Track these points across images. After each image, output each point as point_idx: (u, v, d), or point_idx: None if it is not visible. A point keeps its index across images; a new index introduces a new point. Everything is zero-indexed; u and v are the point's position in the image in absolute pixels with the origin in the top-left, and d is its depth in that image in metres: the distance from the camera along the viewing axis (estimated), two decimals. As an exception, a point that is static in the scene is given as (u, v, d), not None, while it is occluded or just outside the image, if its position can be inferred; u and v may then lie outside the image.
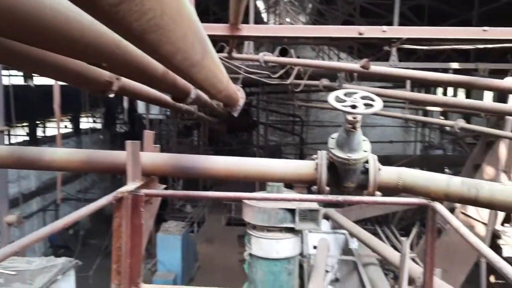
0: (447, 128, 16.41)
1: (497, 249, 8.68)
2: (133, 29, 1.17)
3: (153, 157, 2.73)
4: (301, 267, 6.99)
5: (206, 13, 15.81)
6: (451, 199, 2.56)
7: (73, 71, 2.46)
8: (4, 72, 11.60)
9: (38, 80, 18.31)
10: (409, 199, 2.63)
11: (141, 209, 2.34)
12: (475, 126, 10.26)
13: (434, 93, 21.42)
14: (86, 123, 23.21)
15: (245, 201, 5.66)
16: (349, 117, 2.27)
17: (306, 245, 7.85)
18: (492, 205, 2.45)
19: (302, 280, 6.92)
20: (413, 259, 7.34)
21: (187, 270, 13.31)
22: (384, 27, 4.06)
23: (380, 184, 2.53)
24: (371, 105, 2.30)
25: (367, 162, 2.57)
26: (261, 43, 21.96)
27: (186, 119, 21.50)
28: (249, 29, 4.32)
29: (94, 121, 25.63)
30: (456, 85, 8.62)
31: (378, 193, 2.56)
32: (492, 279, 9.75)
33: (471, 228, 8.87)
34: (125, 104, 11.25)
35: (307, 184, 2.78)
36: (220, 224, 17.44)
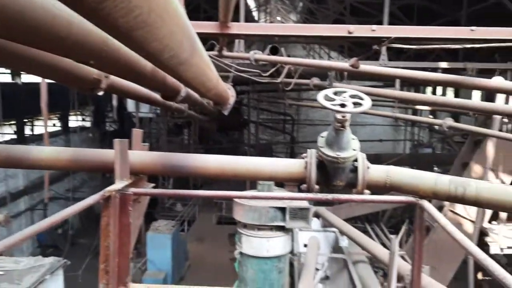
0: (436, 127, 16.58)
1: (484, 246, 8.80)
2: (120, 26, 1.16)
3: (141, 155, 2.71)
4: (291, 265, 7.01)
5: (196, 11, 15.73)
6: (439, 197, 2.58)
7: (61, 69, 2.43)
8: (-9, 69, 11.44)
9: (26, 78, 18.07)
10: (397, 197, 2.65)
11: (129, 208, 2.32)
12: (463, 125, 10.38)
13: (424, 92, 21.64)
14: (75, 121, 22.96)
15: (236, 199, 5.66)
16: (338, 116, 2.27)
17: (297, 243, 7.87)
18: (478, 203, 2.48)
19: (293, 278, 6.94)
20: (402, 257, 7.39)
21: (177, 269, 13.27)
22: (374, 26, 4.08)
23: (369, 182, 2.55)
24: (360, 104, 2.31)
25: (356, 160, 2.58)
26: (252, 41, 21.95)
27: (177, 118, 21.39)
28: (239, 27, 4.30)
29: (83, 120, 25.39)
30: (445, 84, 8.71)
31: (367, 191, 2.57)
32: (479, 276, 9.87)
33: (459, 225, 8.98)
34: (114, 102, 11.16)
35: (297, 183, 2.79)
36: (210, 223, 17.40)
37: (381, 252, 6.92)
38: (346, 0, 16.49)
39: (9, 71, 17.39)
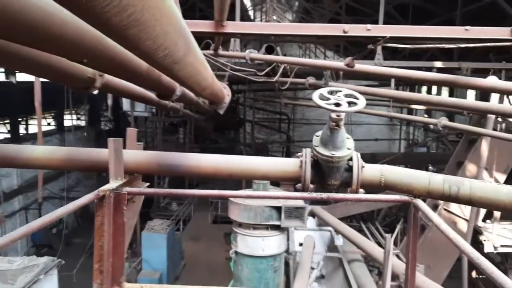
0: (431, 126, 16.65)
1: (479, 245, 8.86)
2: (113, 25, 1.15)
3: (136, 155, 2.70)
4: (286, 264, 7.03)
5: (192, 9, 15.70)
6: (433, 196, 2.59)
7: (55, 67, 2.41)
8: (-15, 68, 11.36)
9: (21, 76, 17.96)
10: (391, 196, 2.66)
11: (123, 208, 2.31)
12: (458, 124, 10.45)
13: (419, 91, 21.72)
14: (69, 120, 22.85)
15: (231, 199, 5.66)
16: (333, 115, 2.27)
17: (292, 242, 7.89)
18: (472, 202, 2.49)
19: (288, 277, 6.96)
20: (397, 256, 7.43)
21: (173, 269, 13.25)
22: (369, 26, 4.09)
23: (363, 181, 2.55)
24: (354, 103, 2.31)
25: (351, 159, 2.58)
26: (248, 40, 21.93)
27: (172, 117, 21.37)
28: (234, 26, 4.30)
29: (78, 118, 25.28)
30: (439, 83, 8.75)
31: (361, 190, 2.57)
32: (474, 274, 9.93)
33: (453, 224, 9.03)
34: (109, 101, 11.11)
35: (292, 182, 2.79)
36: (206, 222, 17.38)
37: (376, 251, 6.95)
38: (341, -1, 16.51)
39: (3, 69, 17.27)
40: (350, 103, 2.30)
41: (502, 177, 9.35)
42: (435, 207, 9.28)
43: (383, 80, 14.74)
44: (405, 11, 12.73)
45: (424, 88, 22.28)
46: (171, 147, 20.09)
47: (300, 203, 5.57)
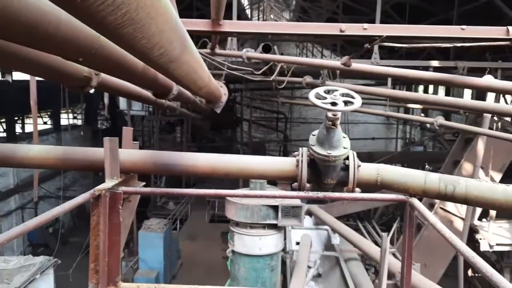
0: (428, 125, 16.71)
1: (475, 243, 8.90)
2: (107, 24, 1.15)
3: (132, 154, 2.69)
4: (283, 263, 7.04)
5: (189, 8, 15.65)
6: (429, 195, 2.60)
7: (50, 66, 2.40)
8: (-20, 66, 11.30)
9: (17, 75, 17.88)
10: (387, 195, 2.66)
11: (119, 207, 2.31)
12: (454, 123, 10.49)
13: (415, 90, 21.78)
14: (66, 119, 22.77)
15: (228, 198, 5.66)
16: (329, 114, 2.27)
17: (289, 241, 7.90)
18: (468, 201, 2.50)
19: (285, 276, 6.96)
20: (393, 254, 7.45)
21: (170, 268, 13.24)
22: (365, 25, 4.09)
23: (359, 180, 2.55)
24: (351, 102, 2.31)
25: (347, 158, 2.59)
26: (245, 39, 21.92)
27: (169, 116, 21.33)
28: (231, 25, 4.29)
29: (75, 117, 25.19)
30: (436, 82, 8.79)
31: (357, 189, 2.58)
32: (469, 273, 9.98)
33: (449, 223, 9.06)
34: (106, 100, 11.09)
35: (289, 181, 2.79)
36: (203, 221, 17.37)
37: (373, 250, 6.97)
38: (338, -1, 16.52)
39: (-1, 68, 17.19)
40: (346, 102, 2.30)
41: (498, 176, 9.40)
42: (431, 206, 9.31)
43: (380, 79, 14.77)
44: (402, 10, 12.75)
45: (421, 87, 22.35)
46: (168, 146, 20.05)
47: (297, 202, 5.58)
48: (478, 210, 9.16)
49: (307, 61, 7.50)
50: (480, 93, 11.88)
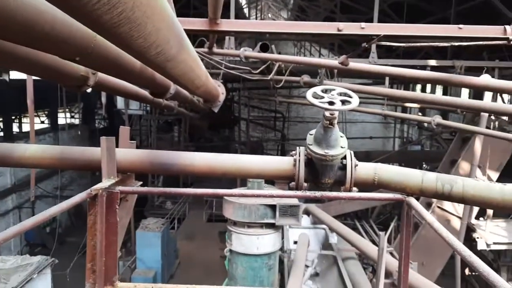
0: (425, 124, 16.72)
1: (472, 242, 8.92)
2: (103, 23, 1.15)
3: (129, 153, 2.68)
4: (281, 262, 7.04)
5: (186, 7, 15.63)
6: (426, 194, 2.60)
7: (47, 65, 2.39)
8: (-23, 65, 11.22)
9: (14, 74, 17.81)
10: (385, 194, 2.66)
11: (116, 207, 2.30)
12: (452, 122, 10.51)
13: (413, 90, 21.81)
14: (63, 118, 22.71)
15: (226, 197, 5.66)
16: (327, 113, 2.27)
17: (287, 240, 7.90)
18: (465, 200, 2.50)
19: (283, 275, 6.97)
20: (391, 253, 7.46)
21: (167, 267, 13.23)
22: (363, 24, 4.09)
23: (357, 180, 2.55)
24: (348, 102, 2.31)
25: (344, 158, 2.58)
26: (243, 38, 21.90)
27: (167, 115, 21.30)
28: (228, 24, 4.28)
29: (72, 117, 25.13)
30: (433, 82, 8.79)
31: (355, 188, 2.58)
32: (466, 272, 10.01)
33: (447, 222, 9.08)
34: (103, 99, 11.05)
35: (286, 180, 2.79)
36: (201, 220, 17.36)
37: (370, 249, 6.98)
38: (336, -2, 16.51)
39: (-5, 67, 17.10)
40: (343, 102, 2.30)
41: (495, 175, 9.43)
42: (428, 205, 9.33)
43: (377, 78, 14.77)
44: (399, 9, 12.76)
45: (418, 87, 22.38)
46: (165, 146, 20.02)
47: (295, 201, 5.58)
48: (475, 209, 9.18)
49: (304, 60, 7.50)
50: (477, 92, 11.91)
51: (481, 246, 8.86)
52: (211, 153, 2.82)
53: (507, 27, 3.95)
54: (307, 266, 6.93)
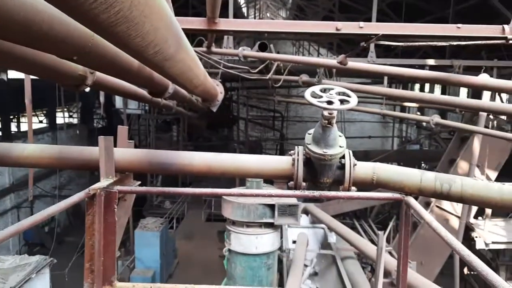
0: (424, 124, 16.73)
1: (470, 241, 8.93)
2: (101, 22, 1.14)
3: (127, 153, 2.68)
4: (280, 261, 7.04)
5: (185, 6, 15.61)
6: (425, 194, 2.60)
7: (45, 65, 2.39)
8: (-25, 65, 11.15)
9: (12, 74, 17.77)
10: (383, 193, 2.66)
11: (114, 206, 2.30)
12: (450, 122, 10.51)
13: (412, 89, 21.82)
14: (62, 118, 22.67)
15: (225, 197, 5.65)
16: (325, 113, 2.27)
17: (286, 239, 7.90)
18: (463, 200, 2.50)
19: (281, 275, 6.97)
20: (389, 253, 7.47)
21: (166, 267, 13.22)
22: (361, 23, 4.08)
23: (355, 179, 2.55)
24: (346, 101, 2.31)
25: (343, 157, 2.58)
26: (241, 38, 21.89)
27: (165, 114, 21.28)
28: (227, 23, 4.27)
29: (71, 116, 25.09)
30: (432, 81, 8.81)
31: (353, 188, 2.58)
32: (465, 271, 10.02)
33: (445, 221, 9.09)
34: (102, 98, 11.01)
35: (285, 180, 2.79)
36: (200, 220, 17.36)
37: (369, 248, 6.98)
38: (335, -3, 16.51)
39: (-7, 66, 17.06)
40: (342, 101, 2.30)
41: (493, 174, 9.44)
42: (427, 204, 9.34)
43: (376, 78, 14.79)
44: (398, 9, 12.77)
45: (417, 86, 22.40)
46: (164, 145, 20.01)
47: (294, 200, 5.58)
48: (474, 209, 9.19)
49: (303, 59, 7.50)
50: (476, 91, 11.92)
51: (479, 245, 8.87)
52: (209, 152, 2.82)
53: (506, 26, 3.95)
54: (306, 266, 6.93)
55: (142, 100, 5.92)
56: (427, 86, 21.62)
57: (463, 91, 16.90)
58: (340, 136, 2.50)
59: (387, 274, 5.92)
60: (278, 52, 10.84)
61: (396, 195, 2.49)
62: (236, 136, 26.41)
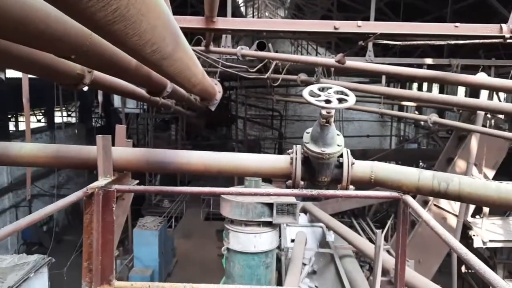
0: (422, 123, 16.77)
1: (468, 240, 8.96)
2: (98, 20, 1.14)
3: (125, 152, 2.68)
4: (278, 260, 7.04)
5: (183, 5, 15.59)
6: (422, 192, 2.61)
7: (43, 63, 2.38)
8: (-28, 64, 11.09)
9: (10, 73, 17.72)
10: (381, 192, 2.67)
11: (112, 205, 2.29)
12: (448, 121, 10.52)
13: (410, 88, 21.84)
14: (60, 117, 22.61)
15: (223, 196, 5.65)
16: (323, 112, 2.27)
17: (284, 238, 7.91)
18: (461, 198, 2.51)
19: (280, 273, 6.98)
20: (387, 251, 7.48)
21: (165, 266, 13.23)
22: (359, 22, 4.09)
23: (353, 178, 2.56)
24: (344, 100, 2.31)
25: (341, 156, 2.59)
26: (240, 37, 21.87)
27: (164, 113, 21.25)
28: (225, 22, 4.27)
29: (69, 115, 25.03)
30: (430, 80, 8.82)
31: (351, 187, 2.58)
32: (463, 269, 10.04)
33: (443, 220, 9.11)
34: (100, 97, 11.00)
35: (283, 179, 2.79)
36: (198, 219, 17.36)
37: (367, 247, 6.99)
38: (333, -4, 16.51)
39: (-9, 65, 17.00)
40: (340, 100, 2.30)
41: (491, 173, 9.46)
42: (425, 203, 9.36)
43: (374, 76, 14.81)
44: (396, 8, 12.78)
45: (415, 85, 22.42)
46: (162, 144, 20.00)
47: (292, 199, 5.59)
48: (472, 207, 9.21)
49: (301, 58, 7.49)
50: (473, 90, 11.94)
51: (477, 243, 8.89)
52: (208, 151, 2.82)
53: (503, 25, 3.95)
54: (304, 264, 6.93)
55: (141, 99, 5.91)
56: (425, 85, 21.65)
57: (461, 90, 16.93)
58: (338, 135, 2.51)
59: (385, 272, 5.93)
60: (276, 51, 10.84)
61: (394, 194, 2.50)
62: (235, 135, 26.40)
